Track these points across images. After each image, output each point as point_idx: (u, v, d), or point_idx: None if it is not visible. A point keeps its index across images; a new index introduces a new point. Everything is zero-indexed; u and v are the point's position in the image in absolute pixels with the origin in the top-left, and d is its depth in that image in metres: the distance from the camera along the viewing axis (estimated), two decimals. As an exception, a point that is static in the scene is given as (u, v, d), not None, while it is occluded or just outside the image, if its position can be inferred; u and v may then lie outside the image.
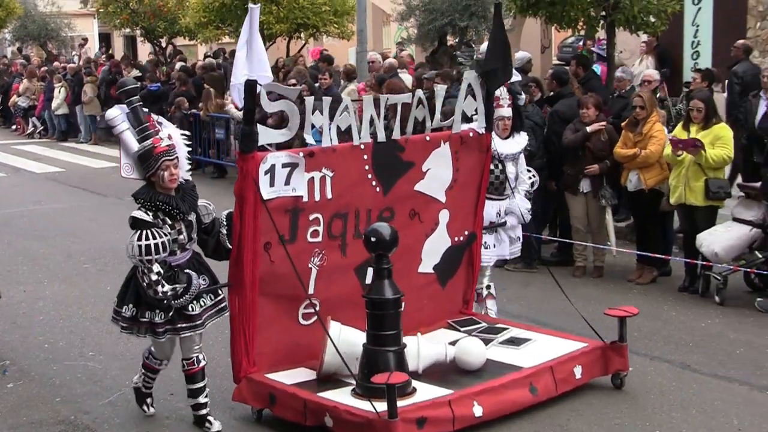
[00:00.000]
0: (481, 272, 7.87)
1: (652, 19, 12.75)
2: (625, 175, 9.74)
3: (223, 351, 7.37)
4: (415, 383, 6.15)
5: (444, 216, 7.35)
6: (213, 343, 7.29)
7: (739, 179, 10.63)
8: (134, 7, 25.07)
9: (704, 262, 9.13)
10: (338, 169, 6.49)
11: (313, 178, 6.36)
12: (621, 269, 10.19)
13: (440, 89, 7.35)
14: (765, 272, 8.89)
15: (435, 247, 7.36)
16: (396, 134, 6.90)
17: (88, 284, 10.08)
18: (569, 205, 10.19)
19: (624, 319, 6.89)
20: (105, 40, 40.39)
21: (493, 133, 7.60)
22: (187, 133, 6.41)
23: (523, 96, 8.62)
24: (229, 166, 16.74)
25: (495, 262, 8.15)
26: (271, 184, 6.11)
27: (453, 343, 6.71)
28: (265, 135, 6.12)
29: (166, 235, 5.81)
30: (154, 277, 5.74)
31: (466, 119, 7.45)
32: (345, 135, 6.64)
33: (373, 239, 6.10)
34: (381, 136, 6.75)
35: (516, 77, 7.87)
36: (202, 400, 6.26)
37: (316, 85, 14.60)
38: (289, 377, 6.36)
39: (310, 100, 6.35)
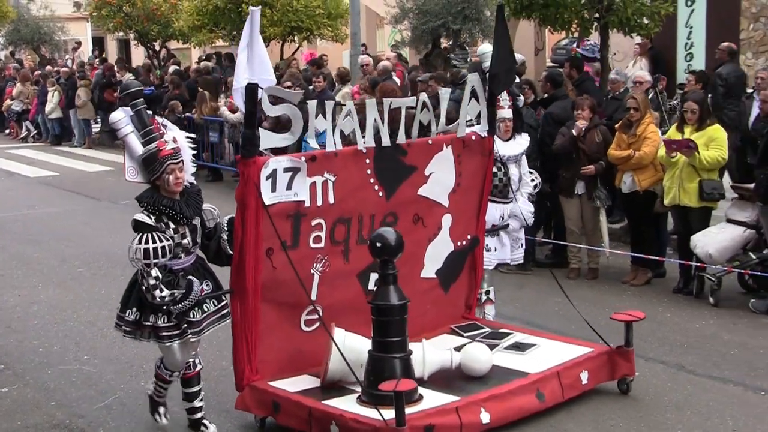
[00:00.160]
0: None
1: (646, 21, 12.78)
2: (620, 176, 9.75)
3: (217, 354, 7.38)
4: (421, 390, 6.04)
5: (447, 220, 7.28)
6: (207, 347, 7.28)
7: (726, 178, 10.65)
8: (128, 10, 25.04)
9: (698, 264, 9.14)
10: (340, 173, 6.41)
11: (315, 182, 6.27)
12: (615, 271, 10.21)
13: (444, 92, 7.29)
14: (759, 273, 8.91)
15: (438, 251, 7.29)
16: (393, 138, 6.81)
17: (82, 288, 10.07)
18: (564, 207, 10.20)
19: (630, 324, 6.80)
20: (98, 43, 40.31)
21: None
22: (192, 135, 6.33)
23: (522, 97, 8.62)
24: (224, 170, 16.74)
25: (495, 266, 8.08)
26: (273, 189, 6.03)
27: (458, 349, 6.63)
28: (267, 139, 6.02)
29: (168, 239, 5.73)
30: (152, 282, 5.68)
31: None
32: (348, 139, 6.58)
33: (378, 244, 6.01)
34: (385, 141, 6.68)
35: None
36: (197, 404, 6.24)
37: (310, 87, 14.61)
38: (292, 385, 6.26)
39: (312, 104, 6.23)
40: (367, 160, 6.61)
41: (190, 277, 5.85)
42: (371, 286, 6.65)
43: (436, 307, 7.32)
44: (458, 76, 14.76)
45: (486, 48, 7.51)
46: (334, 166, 6.38)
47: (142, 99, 5.89)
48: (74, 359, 7.86)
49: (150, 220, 5.74)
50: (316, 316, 6.37)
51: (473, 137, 7.33)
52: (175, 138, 5.92)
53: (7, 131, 26.25)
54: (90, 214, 14.54)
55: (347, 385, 6.19)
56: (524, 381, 6.35)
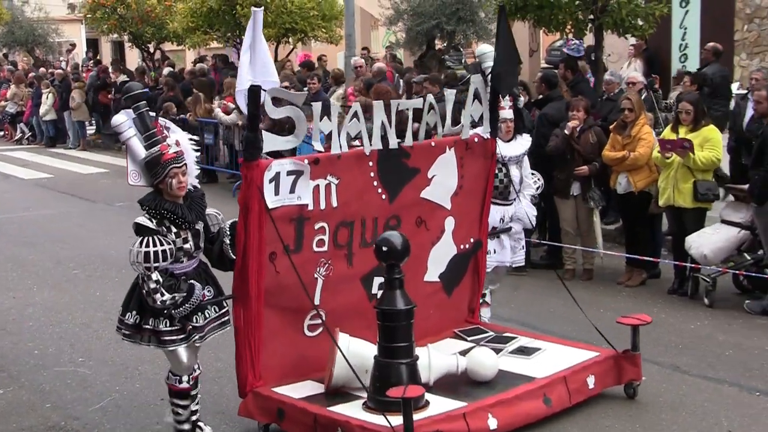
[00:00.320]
0: None
1: (640, 22, 12.81)
2: (614, 177, 9.77)
3: (212, 356, 7.37)
4: (427, 396, 5.94)
5: (450, 223, 7.21)
6: (203, 348, 7.22)
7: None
8: (122, 12, 25.02)
9: (693, 265, 9.15)
10: (344, 176, 6.33)
11: (318, 185, 6.19)
12: (610, 272, 10.21)
13: (449, 93, 7.20)
14: (754, 274, 8.93)
15: (441, 255, 7.22)
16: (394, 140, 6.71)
17: (77, 290, 10.05)
18: (559, 208, 10.21)
19: (637, 328, 6.74)
20: (93, 45, 40.29)
21: None
22: (195, 138, 6.22)
23: (523, 98, 8.59)
24: (219, 171, 16.73)
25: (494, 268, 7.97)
26: (276, 193, 5.93)
27: (463, 354, 6.57)
28: (270, 142, 5.93)
29: (169, 243, 5.65)
30: (152, 285, 5.59)
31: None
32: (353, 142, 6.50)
33: (384, 248, 5.92)
34: (393, 143, 6.59)
35: None
36: (193, 407, 6.21)
37: (305, 89, 14.59)
38: (296, 391, 6.19)
39: (317, 106, 6.16)
40: (371, 163, 6.52)
41: (192, 281, 5.78)
42: (375, 290, 6.61)
43: (439, 311, 7.23)
44: (453, 77, 14.79)
45: (485, 48, 7.43)
46: (338, 168, 6.30)
47: (144, 102, 5.81)
48: (69, 361, 7.85)
49: (151, 224, 5.67)
50: (320, 321, 6.29)
51: (476, 139, 7.26)
52: (178, 141, 5.84)
53: (2, 133, 26.22)
54: (85, 216, 14.53)
55: (352, 390, 6.11)
56: (531, 386, 6.28)
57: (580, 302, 7.59)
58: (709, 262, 8.97)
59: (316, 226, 6.25)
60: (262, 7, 5.99)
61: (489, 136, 7.36)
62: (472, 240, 7.44)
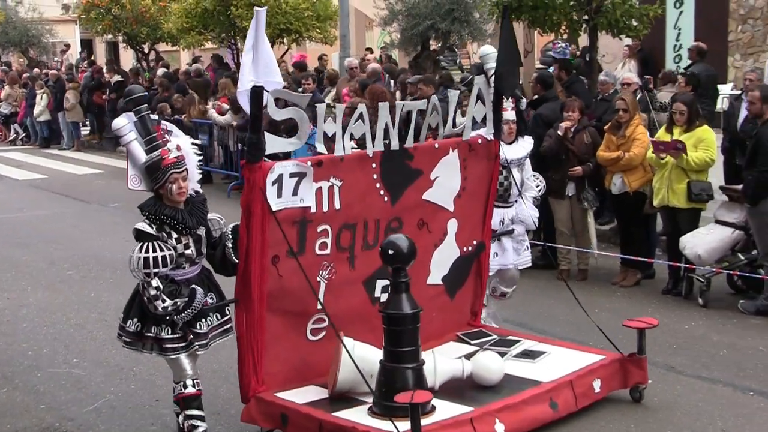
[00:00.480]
0: None
1: (635, 23, 12.83)
2: (609, 178, 9.78)
3: (206, 356, 7.33)
4: (433, 400, 5.83)
5: (452, 225, 7.12)
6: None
7: (715, 179, 10.68)
8: (116, 13, 24.97)
9: (687, 265, 9.16)
10: (346, 178, 6.23)
11: (321, 188, 6.09)
12: (605, 272, 10.23)
13: (453, 95, 7.13)
14: (748, 274, 8.95)
15: (444, 257, 7.13)
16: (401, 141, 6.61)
17: (71, 291, 10.04)
18: (554, 209, 10.21)
19: (643, 331, 6.69)
20: (87, 46, 40.22)
21: None
22: (197, 142, 6.12)
23: (525, 99, 8.53)
24: (213, 172, 16.72)
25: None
26: (279, 195, 5.83)
27: (467, 357, 6.52)
28: (273, 144, 5.81)
29: (169, 249, 5.56)
30: (152, 292, 5.51)
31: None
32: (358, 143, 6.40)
33: (390, 252, 5.83)
34: (395, 145, 6.49)
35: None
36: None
37: (300, 89, 14.60)
38: (299, 396, 6.10)
39: (322, 107, 6.05)
40: (374, 165, 6.43)
41: (193, 285, 5.70)
42: (377, 293, 6.56)
43: (442, 314, 7.14)
44: (448, 77, 14.80)
45: (488, 49, 7.36)
46: (341, 170, 6.21)
47: (146, 105, 5.72)
48: (63, 362, 7.84)
49: (151, 230, 5.59)
50: (323, 325, 6.23)
51: (479, 141, 7.18)
52: (179, 146, 5.75)
53: (-5, 134, 26.20)
54: (79, 216, 14.51)
55: (356, 395, 6.04)
56: (537, 390, 6.21)
57: (575, 303, 7.59)
58: (704, 263, 8.99)
59: (319, 229, 6.16)
60: (266, 7, 5.89)
61: (492, 138, 7.27)
62: (474, 242, 7.36)
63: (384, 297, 6.48)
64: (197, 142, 6.13)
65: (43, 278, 10.65)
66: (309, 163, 6.02)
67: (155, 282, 5.52)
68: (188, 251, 5.72)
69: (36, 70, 26.82)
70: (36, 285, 10.35)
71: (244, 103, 5.90)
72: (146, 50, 26.78)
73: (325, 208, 6.16)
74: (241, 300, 5.91)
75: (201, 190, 5.95)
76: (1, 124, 25.88)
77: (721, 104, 15.02)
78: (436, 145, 6.89)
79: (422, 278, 6.91)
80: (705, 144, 9.04)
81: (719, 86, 16.55)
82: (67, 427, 6.55)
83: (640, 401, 6.67)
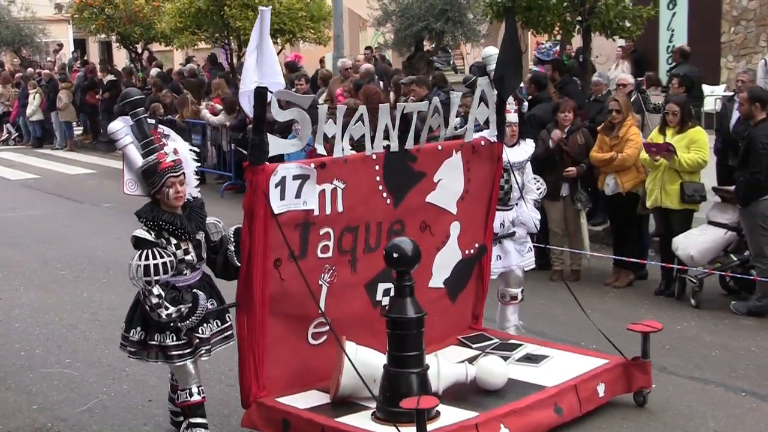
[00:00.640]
0: None
1: (628, 24, 12.86)
2: (602, 179, 9.79)
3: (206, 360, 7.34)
4: (438, 406, 5.75)
5: (455, 228, 7.04)
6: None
7: (708, 180, 10.71)
8: (110, 12, 24.92)
9: (680, 266, 9.18)
10: (350, 180, 6.15)
11: (324, 190, 6.01)
12: (598, 273, 10.24)
13: (455, 96, 7.07)
14: (740, 275, 8.97)
15: (446, 260, 7.06)
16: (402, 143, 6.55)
17: (64, 291, 10.02)
18: (547, 209, 10.18)
19: (647, 335, 6.65)
20: (80, 46, 40.14)
21: None
22: (195, 149, 6.03)
23: (526, 102, 8.48)
24: (207, 173, 16.70)
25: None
26: (282, 198, 5.75)
27: (470, 361, 6.47)
28: (276, 145, 5.75)
29: (169, 255, 5.49)
30: (154, 300, 5.42)
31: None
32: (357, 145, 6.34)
33: (395, 255, 5.76)
34: (395, 146, 6.43)
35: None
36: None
37: (293, 90, 14.59)
38: (301, 401, 6.02)
39: (323, 109, 5.97)
40: (377, 167, 6.36)
41: (195, 290, 5.64)
42: (379, 296, 6.51)
43: (443, 318, 7.04)
44: (441, 78, 14.82)
45: (491, 51, 7.33)
46: (344, 172, 6.12)
47: (143, 108, 5.64)
48: (56, 362, 7.83)
49: (150, 236, 5.51)
50: (324, 329, 6.17)
51: (482, 142, 7.11)
52: (176, 150, 5.67)
53: (-12, 134, 26.13)
54: (72, 216, 14.48)
55: (358, 400, 5.98)
56: (542, 395, 6.14)
57: (568, 303, 7.61)
58: (696, 263, 9.00)
59: (321, 232, 6.09)
60: (270, 7, 5.83)
61: (495, 140, 7.20)
62: (477, 245, 7.29)
63: (385, 300, 6.47)
64: (194, 149, 6.03)
65: (35, 278, 10.63)
66: (312, 165, 5.95)
67: (156, 290, 5.45)
68: (188, 257, 5.64)
69: (30, 69, 26.76)
70: (28, 285, 10.33)
71: (246, 105, 5.84)
72: (139, 50, 26.74)
73: (328, 211, 6.08)
74: (243, 303, 5.83)
75: (199, 195, 5.87)
76: (-6, 124, 25.83)
77: (714, 105, 15.08)
78: (440, 147, 6.81)
79: (424, 281, 6.79)
80: (697, 145, 9.06)
81: (712, 88, 16.63)
82: (60, 427, 6.54)
83: (644, 405, 6.63)
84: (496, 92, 7.05)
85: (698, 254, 8.90)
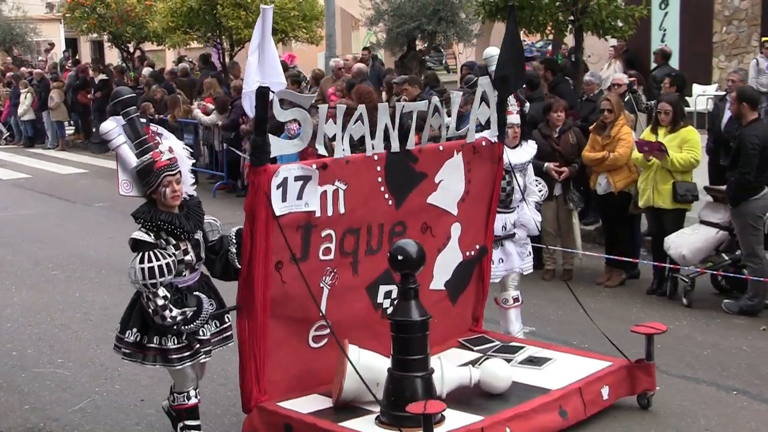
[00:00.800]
0: None
1: (620, 24, 12.88)
2: (594, 178, 9.81)
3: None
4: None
5: (456, 229, 6.98)
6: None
7: (700, 179, 10.74)
8: (101, 11, 24.89)
9: (672, 265, 9.19)
10: (351, 181, 6.08)
11: (326, 191, 5.94)
12: (590, 272, 10.25)
13: (456, 95, 7.03)
14: (731, 274, 8.99)
15: (447, 262, 7.00)
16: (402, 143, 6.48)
17: (56, 291, 10.00)
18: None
19: (651, 337, 6.60)
20: (72, 45, 40.06)
21: None
22: (188, 149, 5.93)
23: (528, 103, 8.44)
24: (199, 172, 16.68)
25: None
26: (284, 199, 5.68)
27: (472, 364, 6.42)
28: (277, 146, 5.71)
29: (170, 256, 5.37)
30: (160, 302, 5.30)
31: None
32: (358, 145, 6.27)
33: (399, 257, 5.67)
34: (395, 146, 6.36)
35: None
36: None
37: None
38: (303, 405, 5.95)
39: (324, 109, 5.93)
40: (379, 168, 6.29)
41: (197, 293, 5.56)
42: (380, 299, 6.48)
43: (444, 320, 6.93)
44: (433, 78, 14.81)
45: (492, 51, 7.29)
46: (346, 173, 6.05)
47: (135, 107, 5.55)
48: (48, 362, 7.81)
49: (149, 238, 5.38)
50: (325, 332, 6.11)
51: (483, 143, 7.03)
52: (171, 148, 5.57)
53: (-20, 134, 26.07)
54: (63, 216, 14.45)
55: (361, 404, 5.90)
56: (547, 398, 6.08)
57: (560, 303, 7.62)
58: (688, 263, 9.02)
59: (323, 234, 6.02)
60: (272, 6, 5.74)
61: (496, 140, 7.15)
62: (477, 246, 7.24)
63: (387, 303, 6.44)
64: (189, 149, 5.95)
65: (27, 278, 10.60)
66: (314, 166, 5.88)
67: (161, 291, 5.33)
68: (188, 257, 5.54)
69: (23, 69, 26.70)
70: (20, 285, 10.31)
71: (247, 105, 5.77)
72: (131, 49, 26.71)
73: (330, 212, 6.02)
74: (244, 306, 5.77)
75: (195, 194, 5.78)
76: (-15, 124, 25.77)
77: (706, 105, 15.12)
78: (441, 148, 6.75)
79: (425, 283, 6.69)
80: (689, 145, 9.08)
81: (704, 87, 16.68)
82: (52, 427, 6.52)
83: (648, 408, 6.61)
84: (496, 92, 7.01)
85: (690, 253, 8.91)
